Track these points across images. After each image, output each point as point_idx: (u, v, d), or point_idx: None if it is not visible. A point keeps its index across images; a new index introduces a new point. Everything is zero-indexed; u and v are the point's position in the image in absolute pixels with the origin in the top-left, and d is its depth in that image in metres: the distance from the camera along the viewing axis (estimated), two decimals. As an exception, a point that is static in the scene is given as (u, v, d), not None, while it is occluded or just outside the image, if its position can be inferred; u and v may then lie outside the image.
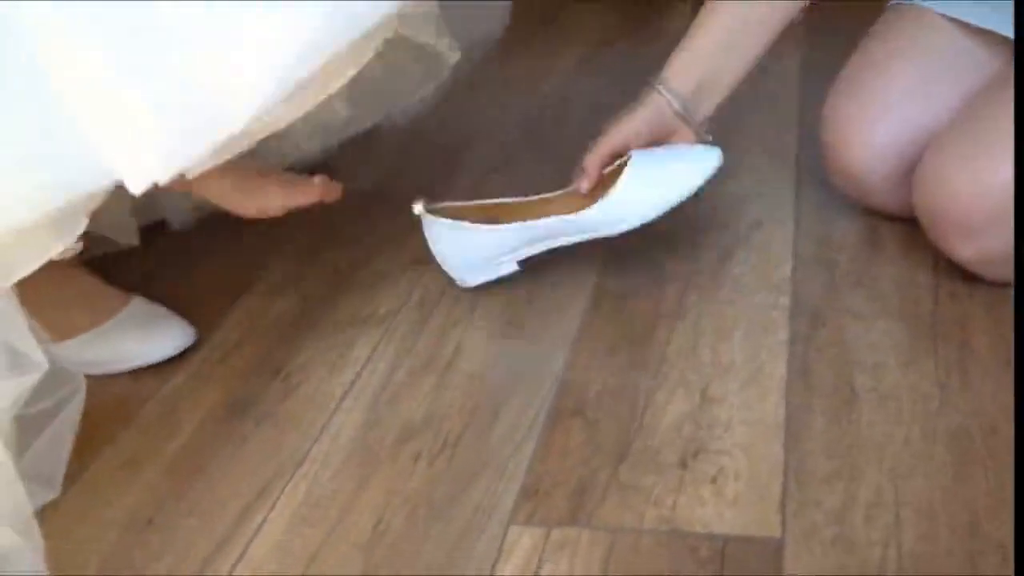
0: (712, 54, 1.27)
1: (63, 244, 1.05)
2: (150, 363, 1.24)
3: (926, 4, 1.34)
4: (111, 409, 1.17)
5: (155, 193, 1.01)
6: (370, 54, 1.09)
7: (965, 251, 1.21)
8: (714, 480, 1.02)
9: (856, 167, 1.33)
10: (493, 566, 0.95)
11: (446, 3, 1.35)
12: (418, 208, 1.27)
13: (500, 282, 1.30)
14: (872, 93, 1.34)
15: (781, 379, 1.13)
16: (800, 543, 0.95)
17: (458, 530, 0.99)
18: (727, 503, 0.99)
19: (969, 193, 1.19)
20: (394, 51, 1.20)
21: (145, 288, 1.30)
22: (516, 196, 1.29)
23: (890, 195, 1.33)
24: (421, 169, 1.60)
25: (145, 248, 1.43)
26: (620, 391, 1.14)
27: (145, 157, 0.97)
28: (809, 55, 1.85)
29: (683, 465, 1.04)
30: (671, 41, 1.29)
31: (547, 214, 1.25)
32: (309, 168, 1.39)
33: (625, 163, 1.24)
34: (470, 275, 1.30)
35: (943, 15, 1.33)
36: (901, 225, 1.34)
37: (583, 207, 1.24)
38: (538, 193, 1.29)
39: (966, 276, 1.24)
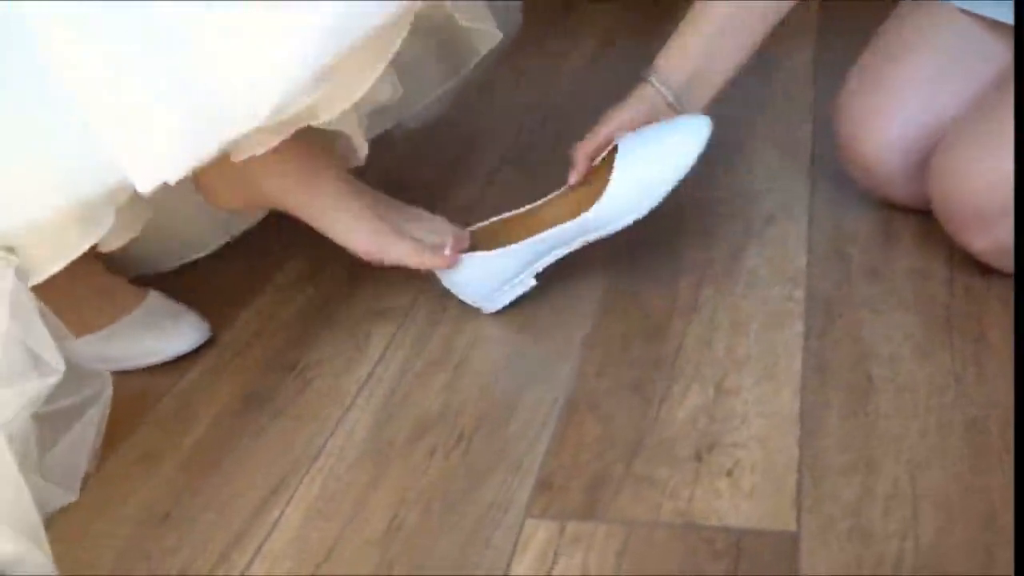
0: (706, 45, 1.26)
1: (88, 243, 1.05)
2: (166, 359, 1.25)
3: (940, -4, 1.34)
4: (127, 404, 1.17)
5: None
6: (395, 47, 1.08)
7: (980, 242, 1.21)
8: (730, 473, 1.02)
9: (871, 159, 1.33)
10: (509, 560, 0.96)
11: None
12: None
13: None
14: (886, 85, 1.33)
15: (796, 372, 1.13)
16: (816, 536, 0.95)
17: (473, 524, 1.00)
18: (743, 496, 0.99)
19: (983, 185, 1.19)
20: (411, 48, 1.20)
21: (161, 284, 1.30)
22: (528, 190, 1.28)
23: (905, 187, 1.32)
24: (434, 165, 1.60)
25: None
26: (635, 385, 1.14)
27: (153, 156, 0.97)
28: (822, 49, 1.84)
29: (698, 458, 1.04)
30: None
31: (548, 221, 1.23)
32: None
33: (614, 151, 1.22)
34: (490, 302, 1.27)
35: (957, 8, 1.32)
36: (916, 217, 1.33)
37: (582, 201, 1.23)
38: (550, 190, 1.28)
39: (981, 268, 1.23)
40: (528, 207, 1.28)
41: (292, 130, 1.08)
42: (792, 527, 0.96)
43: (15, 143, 0.96)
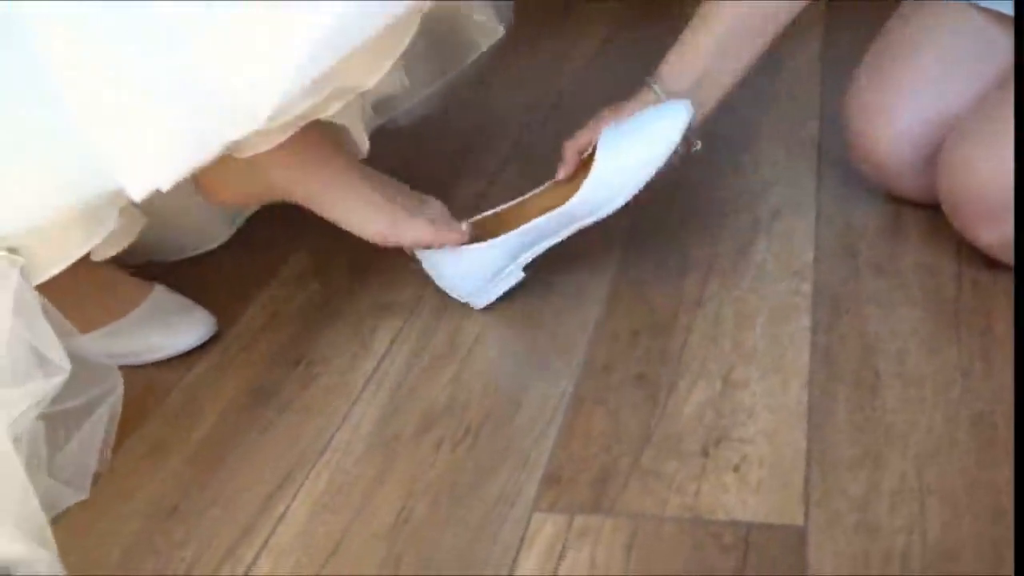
0: (712, 53, 1.24)
1: (91, 243, 1.05)
2: (173, 354, 1.25)
3: (948, -10, 1.34)
4: (133, 399, 1.16)
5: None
6: (403, 46, 1.08)
7: (988, 236, 1.21)
8: (737, 468, 1.02)
9: (879, 153, 1.33)
10: (516, 553, 0.96)
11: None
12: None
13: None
14: (894, 79, 1.33)
15: (804, 366, 1.13)
16: (823, 530, 0.94)
17: (480, 517, 1.00)
18: (750, 490, 0.99)
19: (991, 179, 1.18)
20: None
21: (166, 278, 1.30)
22: (531, 188, 1.28)
23: (913, 181, 1.32)
24: (435, 162, 1.60)
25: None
26: (642, 379, 1.14)
27: (146, 162, 0.97)
28: (828, 46, 1.84)
29: (705, 453, 1.04)
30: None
31: (535, 213, 1.23)
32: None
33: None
34: (479, 297, 1.27)
35: (964, 1, 1.32)
36: (924, 212, 1.33)
37: (567, 193, 1.22)
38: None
39: (989, 263, 1.23)
40: (515, 201, 1.28)
41: (297, 127, 1.08)
42: (799, 521, 0.96)
43: (16, 145, 0.96)
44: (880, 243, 1.32)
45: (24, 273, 1.00)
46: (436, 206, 1.25)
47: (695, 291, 1.26)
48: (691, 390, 1.12)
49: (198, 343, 1.26)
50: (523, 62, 1.85)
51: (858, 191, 1.40)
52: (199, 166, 0.99)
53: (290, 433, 1.13)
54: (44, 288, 1.03)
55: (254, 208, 1.36)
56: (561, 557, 0.95)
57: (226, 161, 1.06)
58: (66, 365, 0.99)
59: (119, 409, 1.09)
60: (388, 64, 1.08)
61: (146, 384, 1.21)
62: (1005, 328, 1.15)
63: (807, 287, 1.25)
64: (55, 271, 1.03)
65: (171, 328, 1.26)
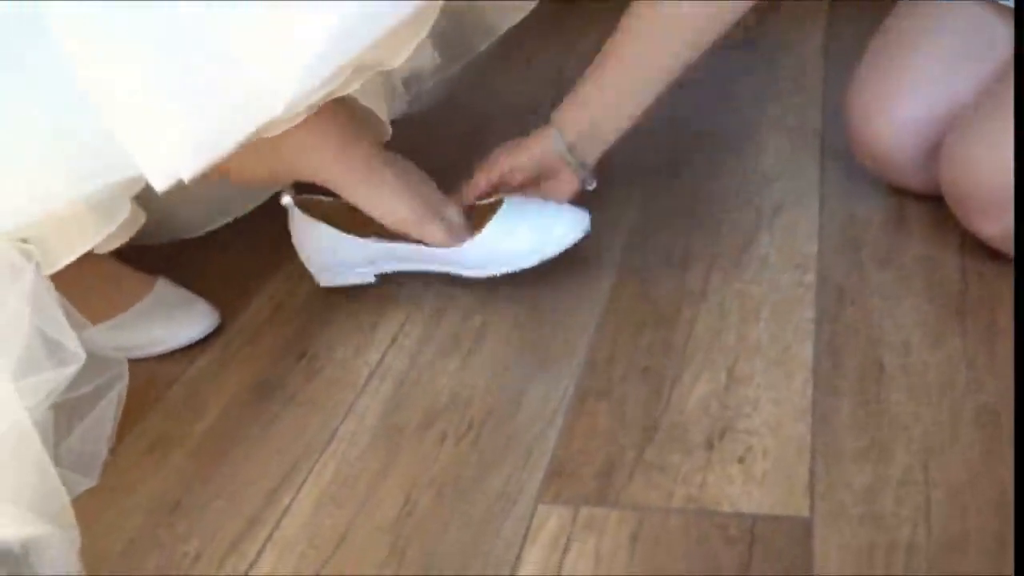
0: (604, 102, 1.25)
1: (105, 231, 1.05)
2: (176, 347, 1.25)
3: (950, -18, 1.34)
4: (137, 392, 1.16)
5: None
6: (425, 29, 1.08)
7: (991, 228, 1.21)
8: (742, 459, 1.02)
9: (882, 146, 1.32)
10: (520, 546, 0.95)
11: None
12: (286, 200, 1.25)
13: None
14: (897, 73, 1.33)
15: (808, 359, 1.13)
16: (829, 522, 0.94)
17: (485, 510, 0.99)
18: (755, 482, 0.99)
19: (995, 170, 1.18)
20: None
21: (170, 272, 1.30)
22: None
23: (916, 173, 1.32)
24: (443, 147, 1.59)
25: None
26: (646, 371, 1.14)
27: (168, 153, 0.97)
28: (831, 37, 1.84)
29: (710, 445, 1.04)
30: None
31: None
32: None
33: (498, 203, 1.23)
34: (323, 275, 1.28)
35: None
36: (927, 204, 1.33)
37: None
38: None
39: (993, 255, 1.23)
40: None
41: (318, 107, 1.08)
42: (805, 513, 0.95)
43: (32, 137, 0.96)
44: (884, 235, 1.32)
45: (38, 264, 1.00)
46: (455, 210, 1.25)
47: (698, 284, 1.26)
48: (695, 383, 1.12)
49: (201, 336, 1.25)
50: (531, 50, 1.84)
51: (861, 184, 1.40)
52: (220, 157, 0.99)
53: (294, 426, 1.12)
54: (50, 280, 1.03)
55: (275, 189, 1.36)
56: (566, 549, 0.95)
57: (251, 141, 1.06)
58: (81, 353, 0.99)
59: (124, 397, 1.09)
60: (413, 44, 1.07)
61: (149, 377, 1.21)
62: (1009, 320, 1.15)
63: (811, 279, 1.25)
64: (68, 260, 1.04)
65: (174, 321, 1.26)
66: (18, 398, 0.95)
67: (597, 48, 1.23)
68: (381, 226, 1.24)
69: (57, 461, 1.00)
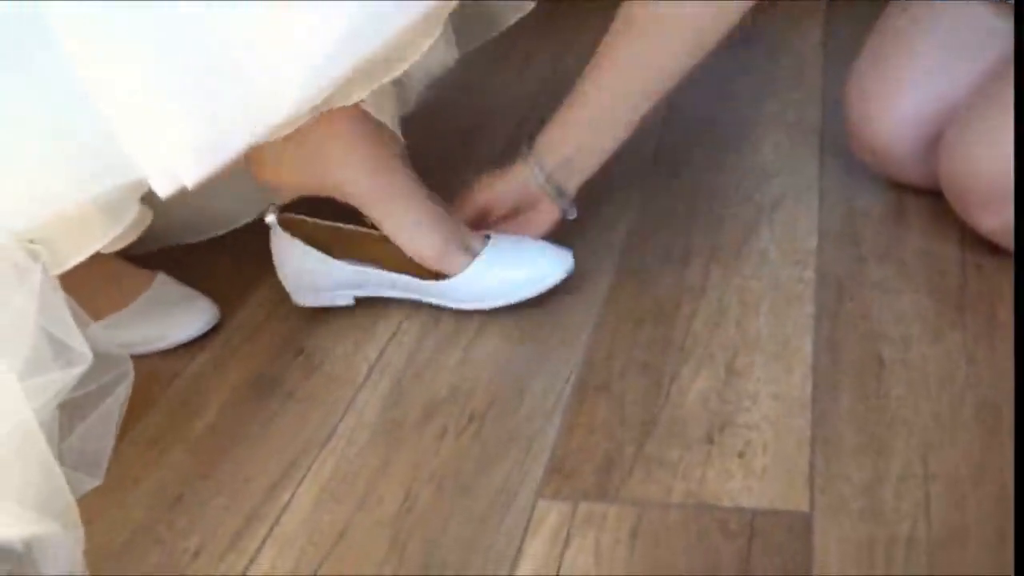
0: (584, 130, 1.24)
1: (112, 233, 1.05)
2: (176, 344, 1.25)
3: (949, -24, 1.34)
4: (137, 389, 1.15)
5: None
6: (424, 46, 1.07)
7: (991, 222, 1.21)
8: (741, 454, 1.02)
9: (882, 140, 1.32)
10: (520, 540, 0.96)
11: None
12: (269, 218, 1.24)
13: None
14: (895, 66, 1.33)
15: (807, 353, 1.13)
16: (829, 516, 0.94)
17: (485, 505, 1.00)
18: (755, 477, 0.99)
19: (994, 164, 1.18)
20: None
21: (169, 267, 1.30)
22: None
23: (915, 167, 1.32)
24: (441, 142, 1.59)
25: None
26: (646, 366, 1.14)
27: (170, 157, 0.97)
28: (830, 32, 1.84)
29: (710, 439, 1.04)
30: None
31: (397, 262, 1.22)
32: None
33: (485, 239, 1.23)
34: (299, 295, 1.27)
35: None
36: (927, 198, 1.33)
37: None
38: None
39: (993, 249, 1.23)
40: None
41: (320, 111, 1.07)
42: (805, 507, 0.96)
43: (34, 138, 0.96)
44: (883, 230, 1.32)
45: (45, 265, 1.00)
46: (478, 239, 1.24)
47: (698, 279, 1.26)
48: (695, 377, 1.12)
49: (201, 333, 1.25)
50: (529, 47, 1.84)
51: (860, 178, 1.40)
52: (224, 162, 0.99)
53: (294, 422, 1.12)
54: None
55: (290, 197, 1.35)
56: (566, 544, 0.95)
57: (285, 144, 1.06)
58: (88, 354, 0.99)
59: (128, 396, 1.08)
60: (423, 47, 1.07)
61: (149, 374, 1.21)
62: (1009, 314, 1.15)
63: (810, 274, 1.25)
64: (76, 261, 1.04)
65: (173, 318, 1.26)
66: (24, 398, 0.95)
67: (595, 46, 1.23)
68: (369, 254, 1.23)
69: (61, 460, 1.00)
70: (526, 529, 0.97)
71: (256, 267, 1.37)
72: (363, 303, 1.28)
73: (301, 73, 0.96)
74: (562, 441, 1.06)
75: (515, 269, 1.22)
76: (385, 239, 1.22)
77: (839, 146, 1.44)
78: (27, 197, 0.98)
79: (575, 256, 1.24)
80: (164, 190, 0.97)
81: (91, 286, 1.22)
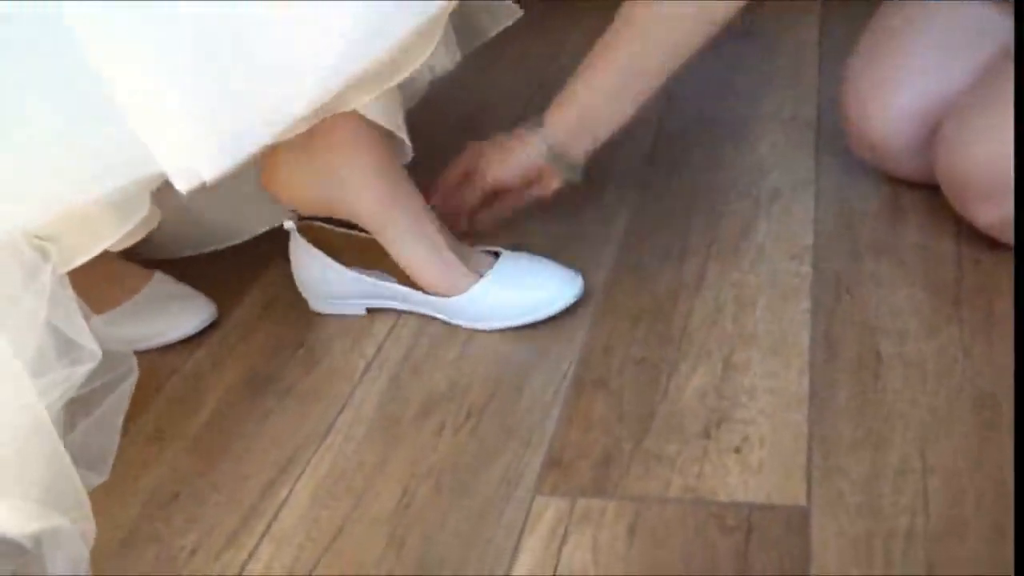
0: (593, 103, 1.23)
1: (123, 230, 1.05)
2: (173, 341, 1.25)
3: (944, -29, 1.34)
4: (135, 386, 1.17)
5: None
6: (429, 48, 1.07)
7: (987, 216, 1.21)
8: (738, 449, 1.02)
9: (878, 134, 1.32)
10: (518, 536, 0.96)
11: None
12: (288, 224, 1.24)
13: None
14: (891, 61, 1.33)
15: (804, 348, 1.13)
16: (826, 511, 0.94)
17: (483, 501, 1.00)
18: (752, 472, 0.99)
19: (990, 158, 1.18)
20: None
21: (166, 265, 1.30)
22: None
23: (911, 162, 1.32)
24: (438, 140, 1.59)
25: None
26: (643, 361, 1.14)
27: (190, 153, 0.97)
28: (826, 28, 1.84)
29: (707, 435, 1.04)
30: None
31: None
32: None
33: (495, 256, 1.23)
34: (315, 302, 1.27)
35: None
36: (923, 192, 1.33)
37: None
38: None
39: (989, 243, 1.23)
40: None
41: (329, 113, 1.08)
42: (802, 502, 0.96)
43: (52, 136, 0.96)
44: (880, 225, 1.32)
45: (55, 263, 1.00)
46: (485, 262, 1.23)
47: (695, 274, 1.26)
48: (692, 373, 1.12)
49: (198, 330, 1.25)
50: (526, 40, 1.84)
51: (857, 173, 1.40)
52: (243, 159, 0.99)
53: (291, 419, 1.12)
54: None
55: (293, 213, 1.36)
56: (563, 541, 0.95)
57: (300, 158, 1.06)
58: (97, 352, 0.99)
59: (128, 398, 1.08)
60: (429, 49, 1.06)
61: (146, 371, 1.20)
62: (1006, 308, 1.15)
63: (807, 269, 1.25)
64: (85, 259, 1.04)
65: (171, 315, 1.26)
66: (36, 394, 0.95)
67: (588, 45, 1.23)
68: (381, 262, 1.23)
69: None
70: (524, 525, 0.97)
71: (253, 265, 1.37)
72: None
73: (319, 70, 0.97)
74: (559, 437, 1.06)
75: (525, 291, 1.21)
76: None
77: (835, 142, 1.44)
78: (41, 194, 0.99)
79: (574, 254, 1.24)
80: (184, 185, 0.98)
81: (90, 282, 1.22)
